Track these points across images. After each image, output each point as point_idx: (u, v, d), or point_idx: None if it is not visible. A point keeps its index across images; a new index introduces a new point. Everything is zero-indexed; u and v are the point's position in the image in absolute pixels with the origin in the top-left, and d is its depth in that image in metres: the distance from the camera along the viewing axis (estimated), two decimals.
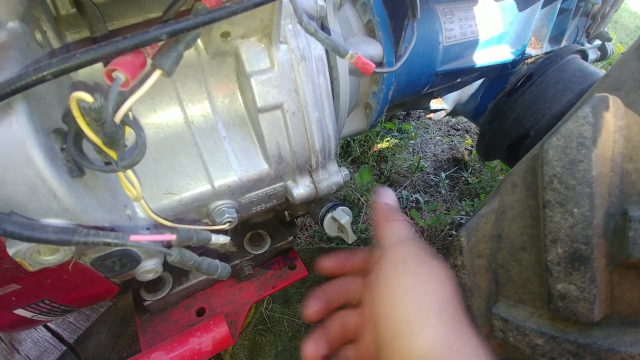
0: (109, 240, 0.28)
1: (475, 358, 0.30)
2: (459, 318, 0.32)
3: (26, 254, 0.28)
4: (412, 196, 1.56)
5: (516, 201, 0.53)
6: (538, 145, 0.52)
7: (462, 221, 1.43)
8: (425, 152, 1.83)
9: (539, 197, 0.48)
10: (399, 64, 0.48)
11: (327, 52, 0.52)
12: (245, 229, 0.75)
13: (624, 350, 0.43)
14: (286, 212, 0.71)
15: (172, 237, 0.33)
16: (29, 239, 0.26)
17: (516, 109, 0.88)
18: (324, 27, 0.52)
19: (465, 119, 2.03)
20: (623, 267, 0.43)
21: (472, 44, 0.77)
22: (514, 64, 0.86)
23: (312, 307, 0.40)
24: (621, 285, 0.44)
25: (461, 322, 0.32)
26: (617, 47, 2.61)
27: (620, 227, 0.43)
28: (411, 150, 1.83)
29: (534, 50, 0.91)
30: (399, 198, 1.55)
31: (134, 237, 0.29)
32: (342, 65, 0.57)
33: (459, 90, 1.01)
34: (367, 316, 0.38)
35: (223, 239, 0.38)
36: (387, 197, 0.45)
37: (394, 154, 1.73)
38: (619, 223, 0.43)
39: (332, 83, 0.56)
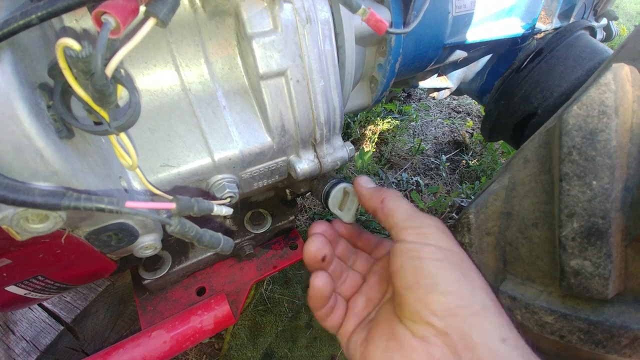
0: (102, 205, 0.25)
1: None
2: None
3: (13, 221, 0.26)
4: (412, 179, 1.54)
5: (528, 176, 0.51)
6: (553, 118, 0.50)
7: (462, 204, 1.42)
8: (426, 134, 1.81)
9: (554, 170, 0.46)
10: (412, 26, 0.45)
11: (333, 17, 0.48)
12: (245, 208, 0.73)
13: (638, 328, 0.41)
14: (287, 191, 0.69)
15: (171, 205, 0.30)
16: (13, 202, 0.23)
17: (524, 86, 0.85)
18: None
19: (467, 101, 2.00)
20: (638, 242, 0.42)
21: (482, 15, 0.74)
22: (523, 38, 0.83)
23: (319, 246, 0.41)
24: (635, 261, 0.43)
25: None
26: (620, 29, 2.57)
27: (637, 201, 0.41)
28: (412, 132, 1.80)
29: (544, 25, 0.87)
30: (399, 180, 1.53)
31: (130, 204, 0.27)
32: (349, 32, 0.53)
33: (464, 68, 0.97)
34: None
35: (226, 210, 0.36)
36: (367, 182, 0.45)
37: (394, 136, 1.70)
38: (636, 196, 0.41)
39: (337, 51, 0.53)
